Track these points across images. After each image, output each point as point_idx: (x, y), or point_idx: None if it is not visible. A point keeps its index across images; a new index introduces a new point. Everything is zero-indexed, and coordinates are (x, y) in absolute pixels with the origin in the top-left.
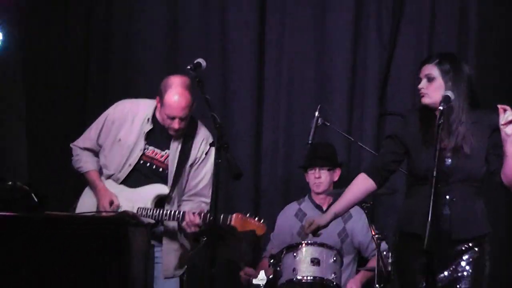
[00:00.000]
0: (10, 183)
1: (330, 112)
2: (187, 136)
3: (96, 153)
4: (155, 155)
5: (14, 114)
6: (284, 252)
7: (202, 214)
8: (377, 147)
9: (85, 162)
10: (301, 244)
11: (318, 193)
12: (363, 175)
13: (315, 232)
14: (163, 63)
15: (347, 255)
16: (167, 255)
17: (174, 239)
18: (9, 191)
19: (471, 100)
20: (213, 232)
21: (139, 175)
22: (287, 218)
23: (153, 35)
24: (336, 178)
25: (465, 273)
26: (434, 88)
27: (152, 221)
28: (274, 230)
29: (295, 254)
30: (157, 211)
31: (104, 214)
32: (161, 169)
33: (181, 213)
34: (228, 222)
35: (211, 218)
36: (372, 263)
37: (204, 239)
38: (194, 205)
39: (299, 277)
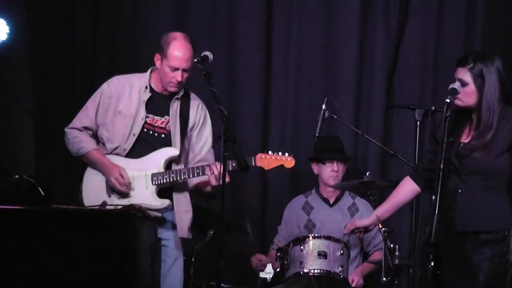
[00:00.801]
0: (17, 176)
1: (337, 105)
2: (183, 101)
3: (93, 133)
4: (156, 122)
5: (21, 108)
6: (291, 245)
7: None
8: (384, 140)
9: (85, 142)
10: (308, 237)
11: (331, 186)
12: (407, 178)
13: (355, 232)
14: None
15: (354, 248)
16: (180, 216)
17: (185, 200)
18: (16, 184)
19: (502, 96)
20: (220, 225)
21: (144, 143)
22: (294, 211)
23: (159, 28)
24: (344, 171)
25: (483, 268)
26: (466, 93)
27: (159, 214)
28: (281, 223)
29: (302, 247)
30: (174, 173)
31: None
32: (163, 135)
33: (201, 168)
34: (253, 163)
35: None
36: (375, 256)
37: (212, 232)
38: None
39: (306, 270)
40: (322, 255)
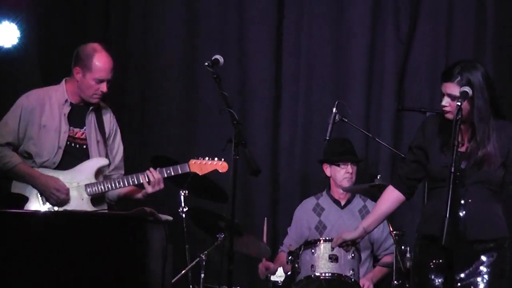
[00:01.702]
0: None
1: (348, 108)
2: (96, 111)
3: (14, 148)
4: (76, 134)
5: None
6: (302, 248)
7: (158, 170)
8: (395, 143)
9: (11, 157)
10: (319, 240)
11: (344, 189)
12: (390, 187)
13: (343, 246)
14: (181, 60)
15: (364, 251)
16: None
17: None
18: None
19: (494, 108)
20: (231, 229)
21: (69, 156)
22: (305, 213)
23: (170, 31)
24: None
25: (483, 276)
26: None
27: (170, 218)
28: (291, 224)
29: (313, 250)
30: (108, 182)
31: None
32: (84, 146)
33: (135, 176)
34: (188, 170)
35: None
36: (385, 260)
37: (222, 235)
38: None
39: (317, 274)
40: (333, 258)
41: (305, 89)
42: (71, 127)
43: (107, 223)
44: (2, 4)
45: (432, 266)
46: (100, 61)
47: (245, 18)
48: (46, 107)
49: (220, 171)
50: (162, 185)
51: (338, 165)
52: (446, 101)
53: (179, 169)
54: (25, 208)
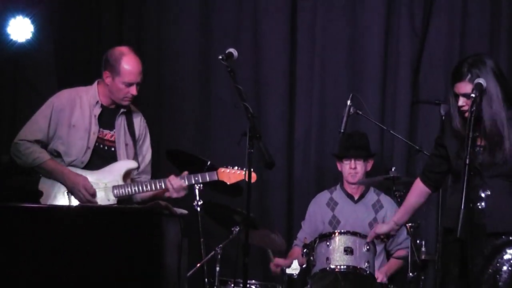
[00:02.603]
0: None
1: (362, 101)
2: (127, 114)
3: (43, 146)
4: (105, 135)
5: None
6: (317, 241)
7: (186, 176)
8: (410, 135)
9: (40, 153)
10: (334, 233)
11: (352, 183)
12: (418, 181)
13: (378, 239)
14: (195, 54)
15: (379, 244)
16: None
17: None
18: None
19: (506, 97)
20: (246, 222)
21: (97, 157)
22: (319, 207)
23: (184, 25)
24: (369, 168)
25: (505, 269)
26: None
27: (185, 212)
28: (305, 218)
29: (328, 243)
30: (136, 185)
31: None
32: (113, 148)
33: (163, 181)
34: (216, 178)
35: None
36: (399, 254)
37: (238, 228)
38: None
39: (332, 266)
40: (349, 251)
41: (319, 82)
42: (100, 129)
43: (122, 217)
44: None
45: (451, 256)
46: (129, 65)
47: (259, 11)
48: (77, 107)
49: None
50: (185, 192)
51: (342, 161)
52: (462, 101)
53: (207, 176)
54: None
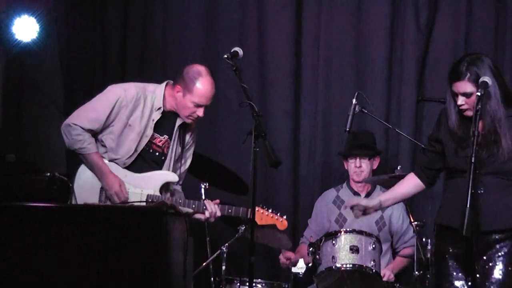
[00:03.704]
0: (48, 174)
1: (368, 99)
2: (186, 125)
3: (94, 134)
4: (155, 139)
5: (52, 105)
6: (323, 240)
7: (221, 207)
8: (415, 133)
9: (89, 143)
10: (340, 232)
11: (358, 182)
12: (412, 175)
13: (353, 208)
14: (201, 53)
15: (385, 243)
16: None
17: None
18: (48, 181)
19: (504, 95)
20: (252, 221)
21: (140, 159)
22: (325, 205)
23: (190, 23)
24: (375, 166)
25: (498, 266)
26: (474, 101)
27: (191, 210)
28: (311, 216)
29: (334, 242)
30: (169, 200)
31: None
32: (157, 153)
33: (197, 203)
34: (249, 215)
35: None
36: (404, 253)
37: (243, 227)
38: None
39: (338, 265)
40: (354, 249)
41: (325, 81)
42: (153, 133)
43: (128, 215)
44: None
45: (448, 255)
46: (203, 87)
47: (264, 9)
48: (139, 108)
49: (279, 228)
50: (216, 219)
51: (348, 159)
52: (461, 100)
53: (240, 212)
54: (85, 194)
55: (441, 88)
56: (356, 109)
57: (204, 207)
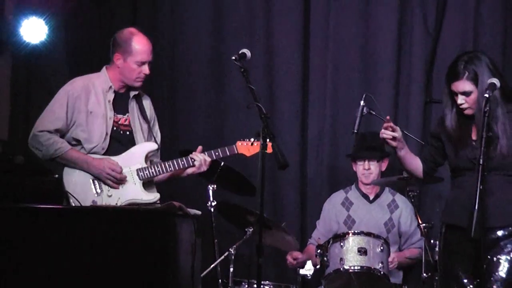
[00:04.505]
0: (56, 175)
1: (376, 101)
2: (137, 98)
3: (62, 135)
4: (120, 120)
5: None
6: (330, 241)
7: (207, 152)
8: (423, 135)
9: (62, 143)
10: (348, 233)
11: (366, 184)
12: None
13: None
14: (209, 54)
15: (393, 245)
16: None
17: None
18: (56, 183)
19: (502, 92)
20: (259, 222)
21: (115, 142)
22: (334, 206)
23: (198, 25)
24: (384, 168)
25: (502, 263)
26: (473, 100)
27: (199, 212)
28: (319, 218)
29: (342, 243)
30: (159, 166)
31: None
32: (128, 132)
33: (185, 159)
34: (236, 151)
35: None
36: (410, 252)
37: (251, 229)
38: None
39: (346, 267)
40: (362, 251)
41: (332, 82)
42: (115, 113)
43: (136, 217)
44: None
45: (455, 255)
46: (140, 44)
47: (272, 11)
48: (92, 94)
49: (267, 152)
50: (207, 166)
51: (356, 162)
52: (461, 99)
53: (227, 150)
54: (81, 194)
55: None
56: (364, 110)
57: (193, 160)
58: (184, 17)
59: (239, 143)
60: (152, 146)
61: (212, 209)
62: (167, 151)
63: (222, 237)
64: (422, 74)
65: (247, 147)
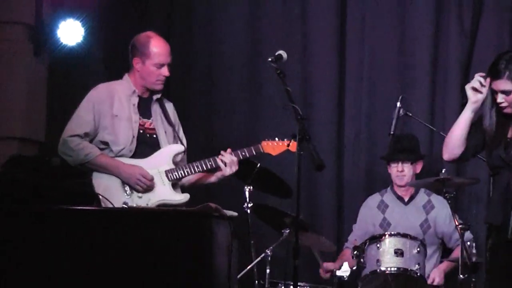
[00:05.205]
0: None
1: (412, 103)
2: (159, 102)
3: (90, 139)
4: (145, 124)
5: None
6: (367, 243)
7: (233, 152)
8: None
9: (91, 148)
10: (384, 235)
11: (400, 186)
12: None
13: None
14: (245, 56)
15: (430, 246)
16: None
17: None
18: (91, 184)
19: None
20: (296, 224)
21: (142, 144)
22: (369, 210)
23: (234, 27)
24: (418, 170)
25: None
26: None
27: (235, 214)
28: (356, 221)
29: (378, 245)
30: (187, 167)
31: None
32: (154, 136)
33: (212, 159)
34: (261, 151)
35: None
36: (457, 253)
37: (287, 231)
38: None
39: (382, 268)
40: (399, 253)
41: (369, 84)
42: (140, 117)
43: (173, 219)
44: (66, 2)
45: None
46: (157, 46)
47: (308, 12)
48: (116, 98)
49: (292, 151)
50: (237, 167)
51: (390, 164)
52: (501, 97)
53: (253, 150)
54: (111, 196)
55: None
56: (401, 112)
57: (221, 160)
58: (220, 19)
59: (264, 143)
60: (179, 148)
61: (248, 211)
62: (203, 153)
63: (258, 238)
64: (458, 76)
65: (272, 146)
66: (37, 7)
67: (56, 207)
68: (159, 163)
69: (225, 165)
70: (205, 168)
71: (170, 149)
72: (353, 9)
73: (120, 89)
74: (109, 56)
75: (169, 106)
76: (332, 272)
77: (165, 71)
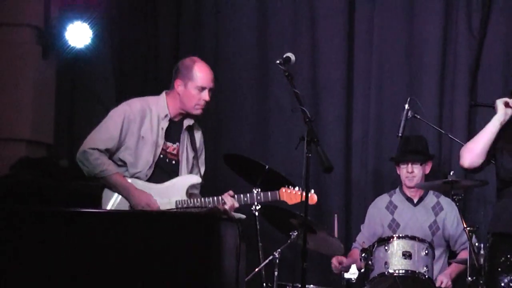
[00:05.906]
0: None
1: (420, 105)
2: (190, 128)
3: (110, 155)
4: (168, 148)
5: (104, 111)
6: (375, 245)
7: (249, 195)
8: (468, 139)
9: (108, 165)
10: (392, 237)
11: (410, 187)
12: None
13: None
14: (253, 58)
15: (438, 248)
16: None
17: None
18: (100, 187)
19: None
20: (304, 226)
21: (159, 169)
22: (378, 210)
23: (242, 29)
24: (428, 171)
25: None
26: None
27: (243, 216)
28: (364, 222)
29: (386, 247)
30: (199, 201)
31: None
32: (174, 162)
33: (213, 198)
34: (278, 198)
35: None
36: (462, 255)
37: (296, 233)
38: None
39: (391, 271)
40: (407, 255)
41: (377, 86)
42: (165, 141)
43: (181, 222)
44: (74, 4)
45: (502, 263)
46: (201, 70)
47: (316, 15)
48: (147, 119)
49: (309, 203)
50: (235, 207)
51: (399, 165)
52: None
53: (270, 196)
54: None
55: (493, 93)
56: (409, 114)
57: (223, 201)
58: (228, 22)
59: (282, 190)
60: (196, 179)
61: (256, 213)
62: (212, 155)
63: (266, 241)
64: (467, 77)
65: (290, 195)
66: (45, 10)
67: (63, 209)
68: (173, 194)
69: (226, 207)
70: (215, 203)
71: (186, 180)
72: (361, 11)
73: (154, 108)
74: (117, 58)
75: (198, 133)
76: (341, 273)
77: (205, 95)
